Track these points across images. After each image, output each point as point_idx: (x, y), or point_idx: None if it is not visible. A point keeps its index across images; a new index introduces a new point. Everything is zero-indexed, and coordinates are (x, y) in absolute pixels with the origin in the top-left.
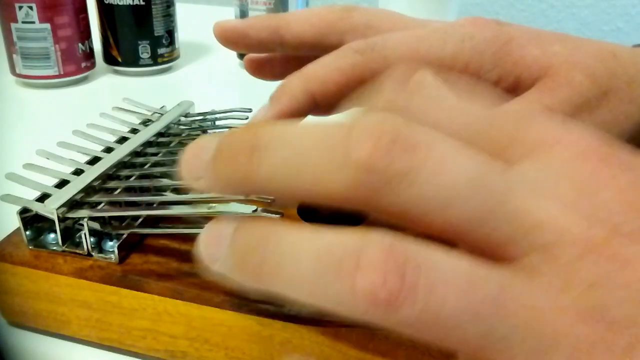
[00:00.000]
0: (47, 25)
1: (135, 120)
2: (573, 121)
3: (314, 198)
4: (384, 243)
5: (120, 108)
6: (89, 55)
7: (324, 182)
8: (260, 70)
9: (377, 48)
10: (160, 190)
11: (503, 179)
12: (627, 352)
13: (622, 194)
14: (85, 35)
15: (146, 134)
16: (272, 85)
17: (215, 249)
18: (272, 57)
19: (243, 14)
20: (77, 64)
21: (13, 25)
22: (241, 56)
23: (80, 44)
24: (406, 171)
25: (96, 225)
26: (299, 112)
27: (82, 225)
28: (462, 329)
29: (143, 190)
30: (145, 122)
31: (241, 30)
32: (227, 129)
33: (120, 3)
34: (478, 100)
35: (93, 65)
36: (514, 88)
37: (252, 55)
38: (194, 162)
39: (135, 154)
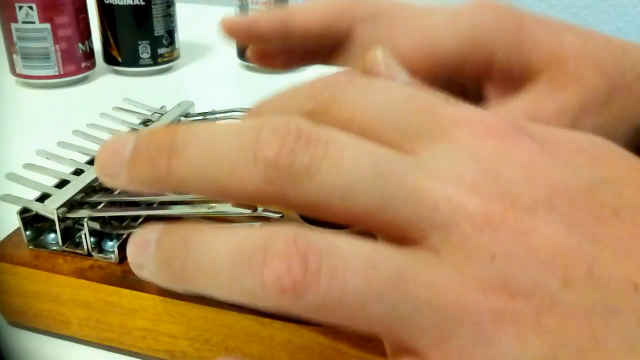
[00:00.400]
0: (47, 25)
1: (135, 120)
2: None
3: (229, 196)
4: (288, 235)
5: (120, 108)
6: (89, 55)
7: (236, 181)
8: (266, 60)
9: (386, 38)
10: None
11: (403, 164)
12: (534, 318)
13: (522, 168)
14: (85, 35)
15: None
16: (273, 86)
17: (142, 256)
18: (277, 48)
19: (243, 13)
20: (77, 64)
21: (13, 25)
22: (241, 56)
23: (80, 44)
24: (308, 165)
25: (96, 225)
26: None
27: (82, 225)
28: (366, 310)
29: None
30: (145, 122)
31: (248, 23)
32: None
33: (120, 3)
34: (403, 87)
35: (93, 65)
36: (524, 74)
37: (257, 46)
38: (110, 160)
39: None
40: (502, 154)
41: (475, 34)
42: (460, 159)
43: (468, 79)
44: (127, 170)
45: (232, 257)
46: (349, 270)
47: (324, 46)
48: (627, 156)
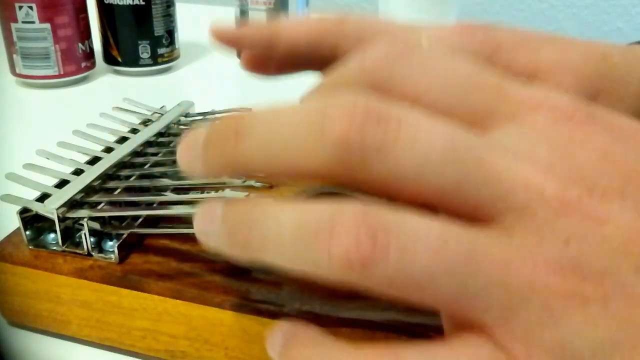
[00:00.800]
0: (47, 25)
1: (135, 120)
2: (551, 87)
3: (297, 175)
4: (356, 210)
5: (120, 108)
6: (89, 55)
7: (303, 160)
8: (257, 66)
9: (374, 59)
10: (160, 190)
11: (478, 144)
12: (602, 303)
13: (598, 155)
14: (85, 35)
15: (146, 134)
16: (272, 86)
17: (209, 225)
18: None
19: (243, 14)
20: (77, 64)
21: (13, 25)
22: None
23: (80, 44)
24: (380, 143)
25: (96, 225)
26: None
27: (82, 225)
28: (435, 285)
29: (143, 190)
30: (145, 122)
31: (237, 34)
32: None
33: (120, 3)
34: (468, 64)
35: (93, 65)
36: None
37: (249, 52)
38: (189, 153)
39: (135, 154)
40: (578, 140)
41: None
42: (537, 141)
43: None
44: (202, 159)
45: (298, 228)
46: (419, 245)
47: (312, 59)
48: None
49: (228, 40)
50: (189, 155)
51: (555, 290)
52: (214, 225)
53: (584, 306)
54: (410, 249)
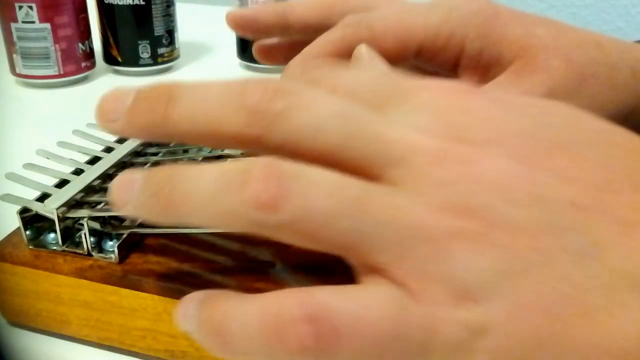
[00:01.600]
0: (47, 25)
1: None
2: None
3: (216, 141)
4: (265, 162)
5: None
6: (89, 55)
7: (222, 126)
8: (268, 55)
9: (364, 20)
10: None
11: (366, 114)
12: (484, 235)
13: (475, 115)
14: (85, 35)
15: None
16: None
17: (127, 192)
18: (279, 44)
19: None
20: (77, 63)
21: (13, 25)
22: (241, 56)
23: (80, 44)
24: (282, 110)
25: (96, 225)
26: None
27: (82, 225)
28: (332, 227)
29: None
30: None
31: (251, 16)
32: None
33: (120, 3)
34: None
35: (93, 65)
36: (494, 62)
37: (260, 43)
38: (112, 107)
39: (135, 153)
40: (458, 105)
41: (448, 22)
42: (418, 111)
43: (440, 66)
44: (125, 117)
45: (216, 181)
46: (317, 190)
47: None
48: (578, 111)
49: (245, 23)
50: (113, 108)
51: (440, 228)
52: (133, 191)
53: (467, 240)
54: (309, 192)
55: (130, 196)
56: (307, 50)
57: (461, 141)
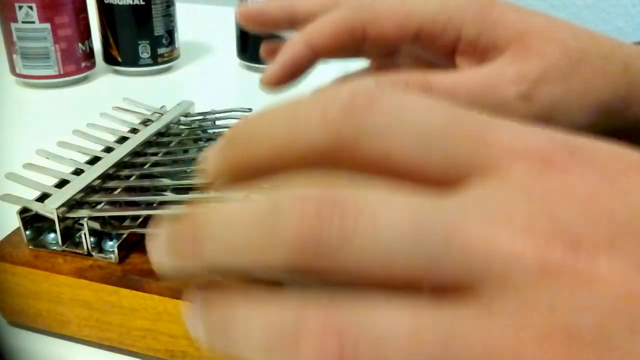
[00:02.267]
0: (47, 25)
1: (135, 120)
2: (533, 127)
3: (261, 273)
4: (320, 312)
5: (120, 108)
6: (89, 55)
7: (262, 259)
8: (275, 56)
9: (366, 2)
10: (160, 190)
11: (446, 215)
12: None
13: (580, 203)
14: (85, 35)
15: (146, 133)
16: None
17: (192, 317)
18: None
19: None
20: (77, 63)
21: (13, 25)
22: (241, 56)
23: (80, 44)
24: (339, 236)
25: (96, 225)
26: (301, 62)
27: (82, 225)
28: None
29: (143, 190)
30: (145, 122)
31: (259, 10)
32: (226, 129)
33: (120, 3)
34: (442, 108)
35: (93, 65)
36: (491, 47)
37: (268, 44)
38: (158, 253)
39: (135, 153)
40: (559, 189)
41: (446, 8)
42: (513, 197)
43: (438, 50)
44: (169, 267)
45: (266, 336)
46: (390, 345)
47: None
48: None
49: (254, 18)
50: (160, 262)
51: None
52: (195, 318)
53: None
54: (380, 349)
55: (193, 321)
56: (308, 29)
57: (570, 246)
